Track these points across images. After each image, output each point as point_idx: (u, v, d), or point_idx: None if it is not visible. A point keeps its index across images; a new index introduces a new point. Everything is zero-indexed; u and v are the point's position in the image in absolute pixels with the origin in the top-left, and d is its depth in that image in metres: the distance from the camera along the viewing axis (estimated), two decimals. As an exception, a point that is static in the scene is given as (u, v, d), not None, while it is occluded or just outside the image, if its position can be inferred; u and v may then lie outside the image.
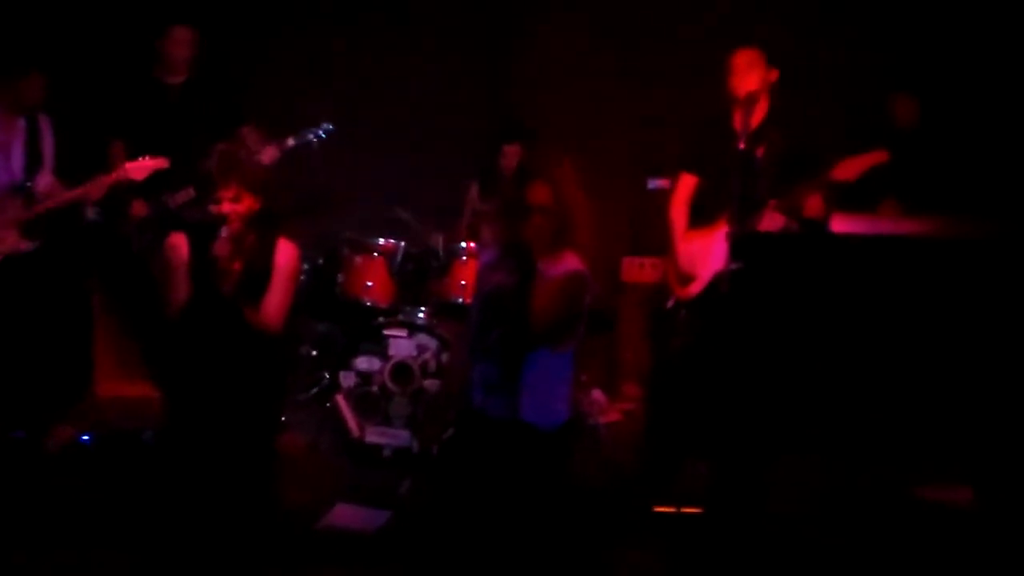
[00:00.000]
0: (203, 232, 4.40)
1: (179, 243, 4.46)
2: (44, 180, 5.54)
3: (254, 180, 4.44)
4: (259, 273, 4.43)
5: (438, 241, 6.21)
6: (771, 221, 4.73)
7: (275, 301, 4.46)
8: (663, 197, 5.40)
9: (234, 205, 4.35)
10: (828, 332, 5.85)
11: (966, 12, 6.51)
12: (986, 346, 5.64)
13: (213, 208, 4.36)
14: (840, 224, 5.58)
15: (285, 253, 4.52)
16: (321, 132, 5.84)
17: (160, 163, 5.42)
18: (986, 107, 6.33)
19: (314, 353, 6.49)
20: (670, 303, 5.09)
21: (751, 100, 4.74)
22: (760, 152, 4.80)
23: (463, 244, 5.97)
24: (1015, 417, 5.46)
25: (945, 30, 6.61)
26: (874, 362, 5.84)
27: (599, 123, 7.07)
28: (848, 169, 4.61)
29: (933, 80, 6.41)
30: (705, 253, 4.95)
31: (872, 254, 5.79)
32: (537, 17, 7.20)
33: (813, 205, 4.77)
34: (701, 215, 5.04)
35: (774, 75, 4.89)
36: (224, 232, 4.33)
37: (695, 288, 4.95)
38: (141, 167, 5.39)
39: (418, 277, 6.17)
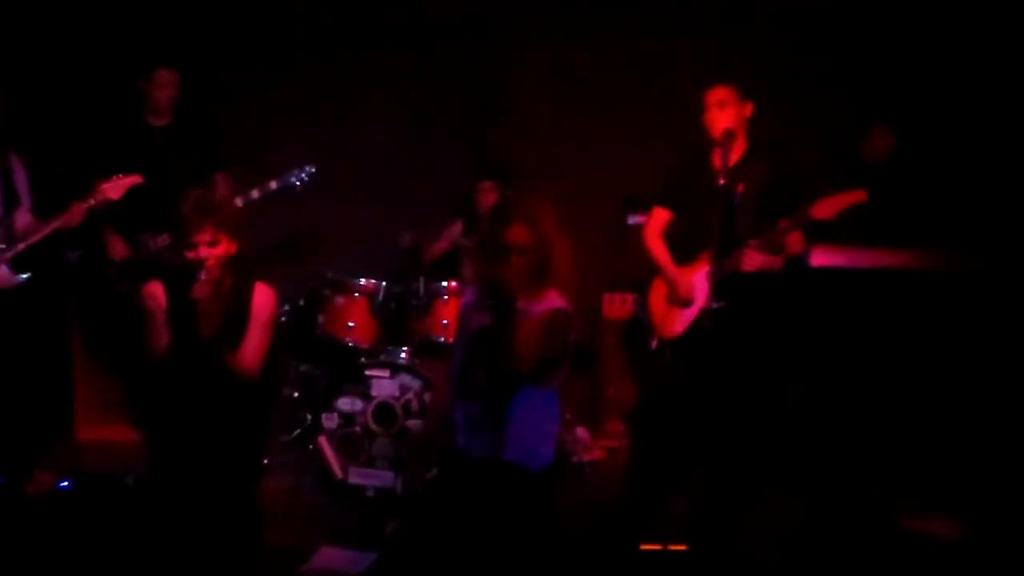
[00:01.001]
0: (181, 276, 4.40)
1: (156, 291, 4.46)
2: (23, 218, 5.49)
3: (230, 224, 4.43)
4: (236, 317, 4.43)
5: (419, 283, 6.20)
6: (751, 259, 4.74)
7: (253, 345, 4.45)
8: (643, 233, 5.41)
9: (210, 249, 4.35)
10: (812, 364, 5.89)
11: (940, 46, 6.59)
12: (969, 376, 5.69)
13: (189, 253, 4.36)
14: (820, 258, 5.62)
15: (262, 296, 4.51)
16: (303, 174, 5.82)
17: (135, 179, 5.32)
18: (959, 141, 6.40)
19: (296, 395, 6.45)
20: (654, 343, 5.08)
21: (728, 137, 4.76)
22: (740, 188, 4.82)
23: (444, 283, 5.97)
24: (999, 447, 5.50)
25: (919, 64, 6.69)
26: (860, 394, 5.89)
27: (577, 159, 7.09)
28: (826, 208, 4.63)
29: (908, 114, 6.48)
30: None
31: (853, 288, 5.85)
32: (514, 58, 7.24)
33: (794, 242, 4.80)
34: (680, 252, 5.05)
35: (748, 109, 4.90)
36: (202, 275, 4.33)
37: (679, 327, 4.95)
38: (116, 186, 5.29)
39: (400, 317, 6.13)
